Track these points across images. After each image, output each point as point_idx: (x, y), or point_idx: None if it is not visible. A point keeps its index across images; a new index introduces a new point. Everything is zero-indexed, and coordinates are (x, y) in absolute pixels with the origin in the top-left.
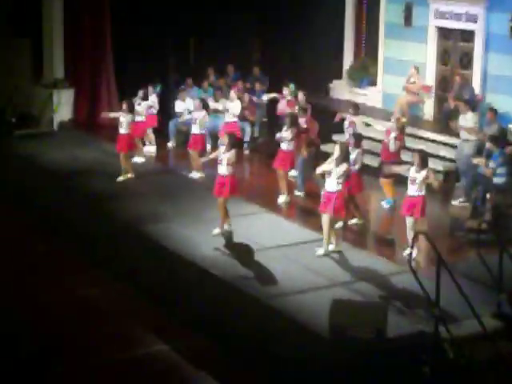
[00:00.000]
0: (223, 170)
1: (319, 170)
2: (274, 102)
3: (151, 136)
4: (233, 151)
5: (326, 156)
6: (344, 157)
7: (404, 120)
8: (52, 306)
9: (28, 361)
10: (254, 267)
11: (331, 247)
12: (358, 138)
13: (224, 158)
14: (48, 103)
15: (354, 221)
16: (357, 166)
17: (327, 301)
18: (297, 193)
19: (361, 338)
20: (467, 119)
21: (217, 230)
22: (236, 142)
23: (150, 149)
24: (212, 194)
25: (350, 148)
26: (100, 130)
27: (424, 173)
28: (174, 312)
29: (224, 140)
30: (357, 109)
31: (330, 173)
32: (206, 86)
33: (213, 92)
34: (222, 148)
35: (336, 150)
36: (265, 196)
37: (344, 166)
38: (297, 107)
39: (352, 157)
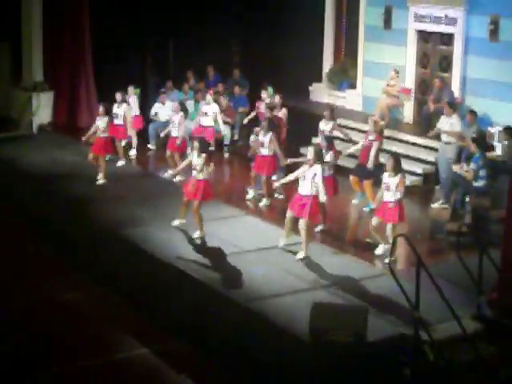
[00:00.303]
0: (197, 174)
1: (291, 177)
2: (254, 105)
3: (134, 140)
4: (203, 156)
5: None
6: (317, 159)
7: (382, 123)
8: (31, 309)
9: (3, 364)
10: (233, 270)
11: (301, 253)
12: (330, 141)
13: (196, 163)
14: (27, 106)
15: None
16: (330, 169)
17: (307, 304)
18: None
19: (341, 341)
20: (452, 122)
21: (177, 222)
22: (207, 147)
23: (133, 151)
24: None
25: (323, 151)
26: (79, 132)
27: (397, 179)
28: (153, 316)
29: (195, 145)
30: (332, 113)
31: (304, 176)
32: (187, 89)
33: (193, 95)
34: (194, 153)
35: (309, 153)
36: (244, 199)
37: (317, 169)
38: (263, 105)
39: (325, 159)
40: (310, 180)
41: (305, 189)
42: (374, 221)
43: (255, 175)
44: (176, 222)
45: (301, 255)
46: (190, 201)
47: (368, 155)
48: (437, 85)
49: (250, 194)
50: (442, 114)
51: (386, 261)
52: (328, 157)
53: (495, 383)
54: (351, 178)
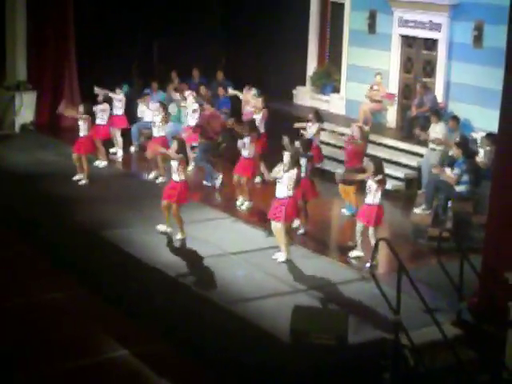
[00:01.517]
0: (174, 176)
1: (268, 177)
2: (237, 108)
3: (119, 139)
4: (180, 156)
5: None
6: (294, 163)
7: (367, 128)
8: (12, 310)
9: None
10: (216, 272)
11: (282, 256)
12: (308, 144)
13: (173, 164)
14: (10, 106)
15: (296, 225)
16: (307, 172)
17: (289, 307)
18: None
19: (322, 344)
20: (437, 130)
21: (163, 228)
22: (183, 148)
23: (119, 153)
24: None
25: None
26: (62, 132)
27: (376, 181)
28: (135, 317)
29: (173, 145)
30: (318, 116)
31: (280, 179)
32: (172, 89)
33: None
34: (173, 154)
35: (286, 156)
36: (227, 201)
37: (293, 172)
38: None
39: (302, 162)
40: (285, 184)
41: (281, 192)
42: (358, 225)
43: (238, 178)
44: (161, 228)
45: (282, 258)
46: (169, 203)
47: (352, 159)
48: (418, 90)
49: (240, 201)
50: (424, 118)
51: (367, 265)
52: (304, 160)
53: None
54: (340, 186)
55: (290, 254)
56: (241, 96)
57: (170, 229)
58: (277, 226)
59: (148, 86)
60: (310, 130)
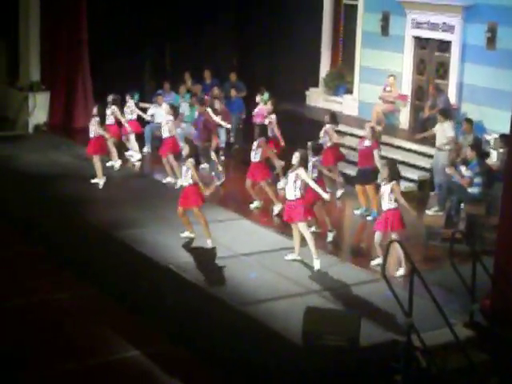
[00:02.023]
0: (184, 180)
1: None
2: (249, 108)
3: (134, 143)
4: (189, 161)
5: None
6: (302, 163)
7: (379, 129)
8: (21, 309)
9: None
10: (228, 274)
11: (293, 256)
12: (317, 148)
13: (183, 167)
14: (23, 106)
15: (312, 228)
16: (315, 174)
17: (301, 308)
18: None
19: (334, 346)
20: (444, 129)
21: (186, 233)
22: (193, 152)
23: (135, 156)
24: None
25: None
26: (75, 133)
27: (389, 186)
28: (146, 318)
29: (184, 148)
30: (334, 118)
31: (286, 181)
32: (183, 91)
33: (190, 97)
34: (184, 157)
35: (295, 158)
36: (240, 203)
37: (300, 171)
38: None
39: (310, 164)
40: (292, 184)
41: (289, 194)
42: (377, 235)
43: (251, 183)
44: (185, 234)
45: (317, 264)
46: (184, 208)
47: (365, 160)
48: (431, 92)
49: (255, 203)
50: (436, 120)
51: (373, 263)
52: (312, 161)
53: None
54: (357, 187)
55: (303, 256)
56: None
57: (192, 234)
58: (300, 227)
59: (160, 87)
60: (322, 131)
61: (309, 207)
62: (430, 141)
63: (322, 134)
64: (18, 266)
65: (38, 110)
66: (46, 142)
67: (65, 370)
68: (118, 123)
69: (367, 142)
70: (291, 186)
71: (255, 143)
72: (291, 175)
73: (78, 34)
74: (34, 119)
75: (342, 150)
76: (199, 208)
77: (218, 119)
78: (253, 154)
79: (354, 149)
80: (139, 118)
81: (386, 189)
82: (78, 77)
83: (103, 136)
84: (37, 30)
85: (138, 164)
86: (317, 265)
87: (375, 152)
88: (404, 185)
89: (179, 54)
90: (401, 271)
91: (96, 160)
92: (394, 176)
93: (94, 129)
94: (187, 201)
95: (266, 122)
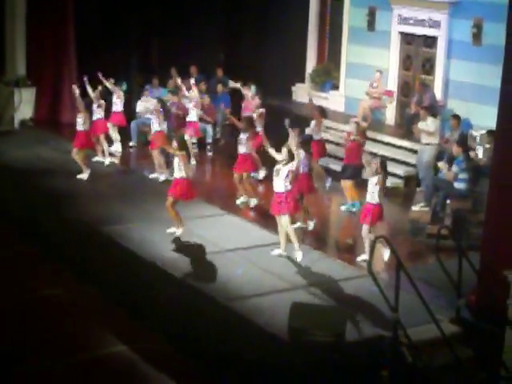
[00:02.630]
0: (175, 173)
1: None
2: (236, 104)
3: (117, 136)
4: (180, 154)
5: None
6: (291, 157)
7: (365, 124)
8: (12, 305)
9: None
10: (214, 269)
11: (278, 251)
12: (307, 140)
13: (174, 160)
14: (9, 101)
15: (298, 224)
16: (305, 167)
17: (287, 304)
18: None
19: (320, 341)
20: (427, 125)
21: (172, 229)
22: (185, 144)
23: (117, 148)
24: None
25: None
26: (61, 128)
27: (375, 179)
28: (134, 313)
29: (174, 142)
30: (321, 112)
31: (277, 173)
32: (172, 87)
33: (176, 92)
34: (175, 150)
35: (284, 152)
36: (226, 198)
37: (291, 165)
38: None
39: (300, 158)
40: (283, 178)
41: (278, 186)
42: (364, 228)
43: (239, 178)
44: (171, 230)
45: (300, 256)
46: (176, 199)
47: (350, 156)
48: (416, 88)
49: (241, 199)
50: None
51: (359, 259)
52: (302, 155)
53: None
54: (342, 182)
55: (289, 251)
56: (241, 89)
57: (179, 229)
58: (283, 220)
59: (148, 82)
60: (311, 125)
61: (295, 201)
62: (416, 137)
63: (311, 126)
64: (4, 260)
65: (24, 105)
66: (32, 137)
67: (55, 365)
68: (106, 117)
69: (352, 138)
70: (282, 180)
71: (243, 135)
72: (284, 169)
73: (64, 28)
74: (20, 114)
75: (328, 145)
76: (177, 201)
77: (201, 113)
78: (240, 146)
79: (338, 144)
80: (125, 110)
81: (372, 182)
82: (64, 72)
83: (89, 131)
84: (23, 25)
85: (118, 156)
86: (299, 256)
87: (360, 145)
88: (390, 180)
89: (166, 50)
90: (363, 256)
91: (76, 153)
92: (382, 171)
93: (80, 122)
94: (177, 191)
95: (255, 115)
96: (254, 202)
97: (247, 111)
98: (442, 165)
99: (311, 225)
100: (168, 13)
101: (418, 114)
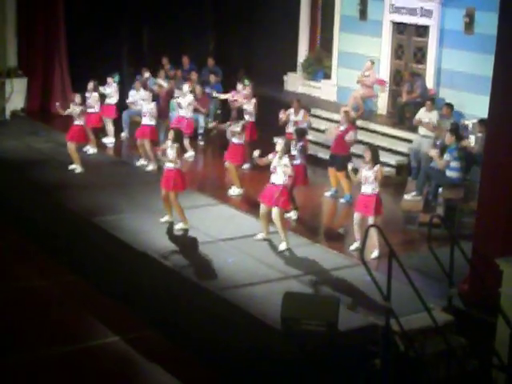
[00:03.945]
0: (169, 164)
1: (261, 162)
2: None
3: (110, 128)
4: (176, 146)
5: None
6: (287, 150)
7: (353, 114)
8: (1, 296)
9: None
10: (206, 259)
11: (262, 235)
12: (302, 132)
13: (169, 153)
14: (0, 92)
15: (292, 215)
16: (300, 159)
17: (279, 293)
18: None
19: (312, 330)
20: (431, 117)
21: (165, 218)
22: (180, 138)
23: (109, 140)
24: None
25: (293, 141)
26: (52, 119)
27: (375, 169)
28: (125, 303)
29: (170, 135)
30: (299, 103)
31: (274, 167)
32: (162, 76)
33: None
34: (169, 142)
35: (279, 144)
36: (218, 188)
37: (287, 159)
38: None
39: (295, 150)
40: (280, 171)
41: (276, 179)
42: (356, 216)
43: (229, 165)
44: (164, 219)
45: (283, 246)
46: (168, 192)
47: (340, 145)
48: (406, 77)
49: (233, 190)
50: (414, 105)
51: (352, 248)
52: (297, 147)
53: (465, 374)
54: (330, 170)
55: (282, 241)
56: (227, 96)
57: (171, 218)
58: (274, 213)
59: (139, 72)
60: (297, 118)
61: (288, 196)
62: (407, 126)
63: (291, 119)
64: None
65: (16, 95)
66: (23, 128)
67: (45, 356)
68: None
69: (342, 127)
70: (280, 173)
71: (238, 125)
72: (279, 164)
73: (54, 18)
74: (12, 105)
75: (318, 134)
76: (177, 193)
77: (195, 104)
78: (233, 135)
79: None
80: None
81: (368, 173)
82: (55, 62)
83: (84, 125)
84: (14, 15)
85: (111, 147)
86: (282, 246)
87: (349, 135)
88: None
89: (157, 39)
90: (375, 253)
91: (72, 147)
92: (377, 160)
93: (76, 116)
94: (168, 184)
95: (247, 106)
96: (238, 191)
97: (236, 103)
98: (433, 153)
99: (294, 215)
100: (158, 2)
101: (409, 103)
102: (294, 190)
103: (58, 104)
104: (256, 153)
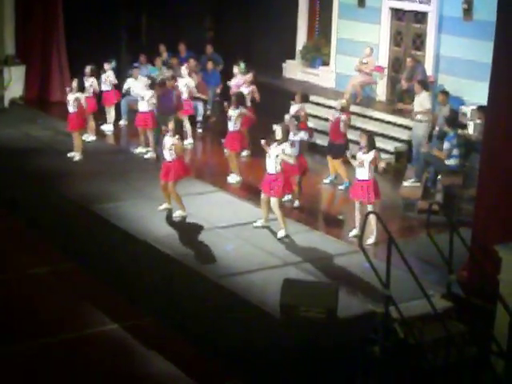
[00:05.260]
0: (167, 154)
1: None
2: (226, 80)
3: (111, 115)
4: (176, 137)
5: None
6: (285, 138)
7: (343, 101)
8: (0, 284)
9: None
10: (205, 246)
11: (261, 222)
12: (298, 121)
13: (168, 142)
14: None
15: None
16: (299, 147)
17: (278, 280)
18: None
19: (312, 318)
20: (421, 100)
21: (164, 206)
22: (181, 128)
23: (108, 127)
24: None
25: (291, 130)
26: (51, 106)
27: (372, 154)
28: (123, 291)
29: (170, 125)
30: (300, 97)
31: (269, 155)
32: (159, 64)
33: (166, 69)
34: (170, 132)
35: (278, 132)
36: (217, 175)
37: (285, 146)
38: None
39: (293, 138)
40: (273, 159)
41: (270, 167)
42: (356, 203)
43: (228, 152)
44: (162, 206)
45: (281, 233)
46: (166, 182)
47: (336, 132)
48: (407, 63)
49: (232, 177)
50: (413, 92)
51: (351, 234)
52: (296, 136)
53: (464, 361)
54: (328, 157)
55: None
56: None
57: (169, 205)
58: (272, 202)
59: (136, 60)
60: (293, 108)
61: (287, 181)
62: (406, 114)
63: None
64: None
65: (14, 83)
66: (21, 116)
67: (42, 343)
68: (96, 95)
69: (337, 115)
70: (273, 160)
71: (235, 112)
72: (275, 149)
73: (52, 5)
74: (10, 93)
75: (318, 121)
76: (175, 183)
77: (195, 91)
78: (231, 123)
79: (325, 119)
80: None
81: (365, 158)
82: (53, 50)
83: (83, 111)
84: (12, 2)
85: (110, 135)
86: (280, 233)
87: (342, 122)
88: (381, 156)
89: (155, 26)
90: (371, 239)
91: (76, 135)
92: (373, 145)
93: (74, 103)
94: (167, 175)
95: (246, 91)
96: (237, 179)
97: (236, 89)
98: (426, 148)
99: (296, 202)
100: None
101: (407, 89)
102: (299, 179)
103: (68, 89)
104: (263, 141)
